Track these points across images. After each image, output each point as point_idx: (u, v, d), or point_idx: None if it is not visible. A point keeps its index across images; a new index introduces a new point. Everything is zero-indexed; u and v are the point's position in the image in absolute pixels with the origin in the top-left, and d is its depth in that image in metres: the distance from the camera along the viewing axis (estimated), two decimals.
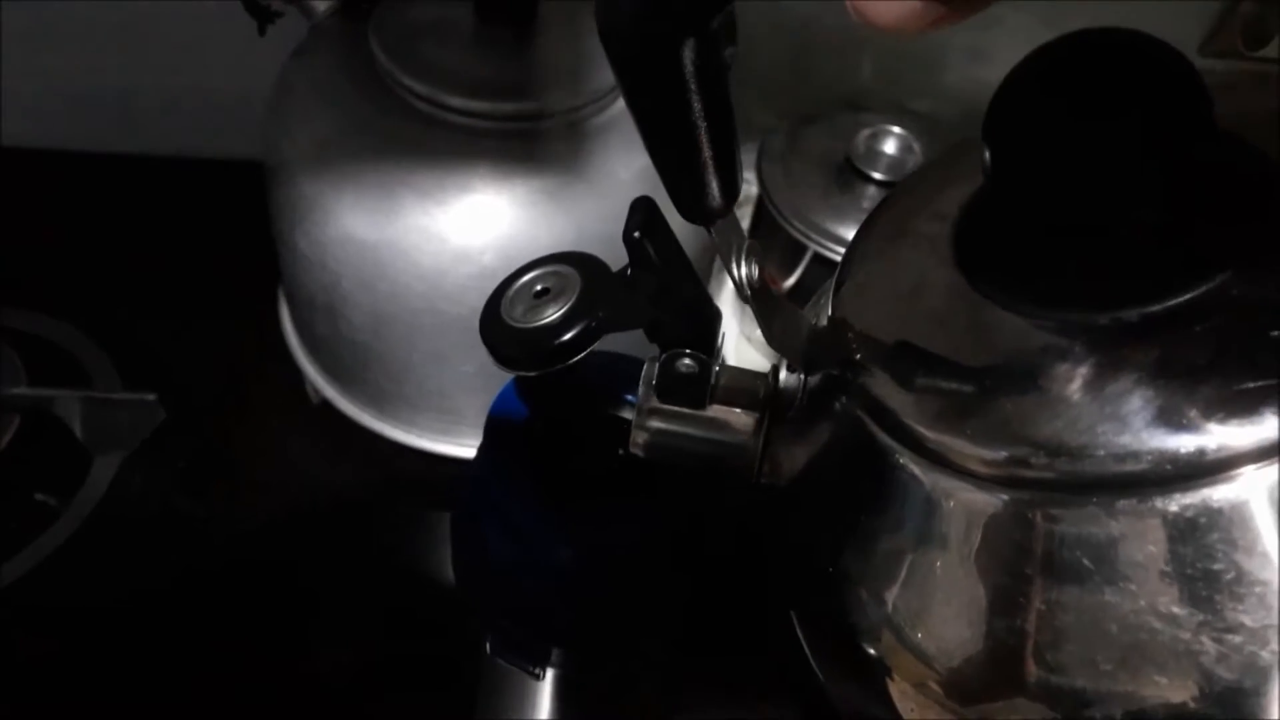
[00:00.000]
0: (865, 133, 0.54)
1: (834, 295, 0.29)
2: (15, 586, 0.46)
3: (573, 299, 0.29)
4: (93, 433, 0.49)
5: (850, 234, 0.51)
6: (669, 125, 0.23)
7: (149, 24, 0.61)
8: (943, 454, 0.23)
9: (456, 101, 0.44)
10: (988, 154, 0.23)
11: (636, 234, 0.27)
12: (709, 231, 0.26)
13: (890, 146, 0.54)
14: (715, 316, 0.30)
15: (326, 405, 0.52)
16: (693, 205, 0.25)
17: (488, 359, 0.47)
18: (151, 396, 0.48)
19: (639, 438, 0.30)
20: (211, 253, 0.60)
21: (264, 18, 0.48)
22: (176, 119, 0.65)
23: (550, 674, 0.32)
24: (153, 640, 0.47)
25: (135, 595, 0.48)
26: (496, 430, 0.31)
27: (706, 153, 0.24)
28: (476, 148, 0.44)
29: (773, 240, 0.55)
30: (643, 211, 0.28)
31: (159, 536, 0.50)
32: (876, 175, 0.53)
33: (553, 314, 0.29)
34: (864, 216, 0.52)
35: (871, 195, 0.53)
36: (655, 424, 0.30)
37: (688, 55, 0.21)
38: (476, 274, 0.44)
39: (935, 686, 0.24)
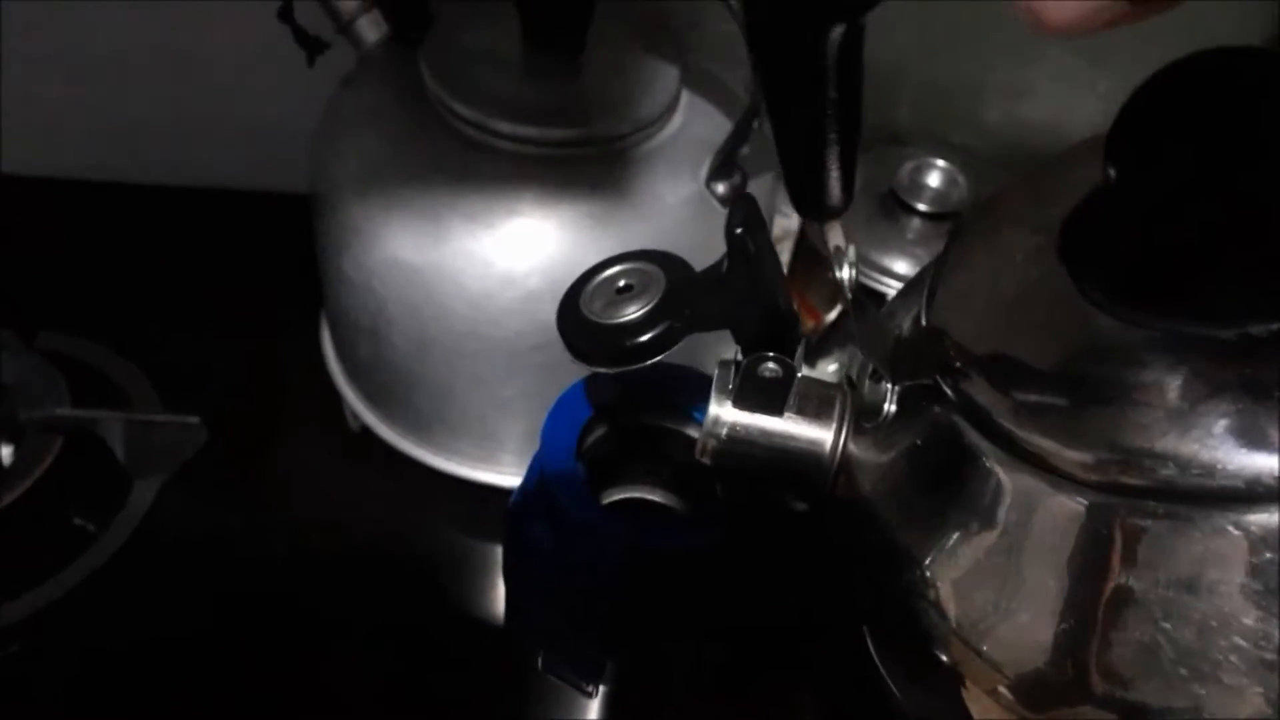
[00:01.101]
0: (909, 165, 0.54)
1: (927, 305, 0.29)
2: (48, 611, 0.45)
3: (656, 298, 0.28)
4: (134, 455, 0.49)
5: (895, 265, 0.52)
6: (802, 115, 0.23)
7: (197, 55, 0.62)
8: (1047, 459, 0.23)
9: (505, 127, 0.44)
10: (1112, 170, 0.23)
11: (739, 230, 0.27)
12: (821, 229, 0.26)
13: (934, 179, 0.54)
14: (796, 323, 0.29)
15: (366, 432, 0.52)
16: (812, 201, 0.25)
17: (529, 384, 0.47)
18: (194, 419, 0.48)
19: (709, 444, 0.29)
20: (254, 283, 0.60)
21: (313, 48, 0.49)
22: (223, 151, 0.65)
23: (602, 691, 0.31)
24: (187, 668, 0.46)
25: (169, 623, 0.47)
26: (555, 432, 0.31)
27: (834, 148, 0.24)
28: (524, 173, 0.44)
29: (815, 272, 0.55)
30: (746, 208, 0.28)
31: (195, 564, 0.49)
32: (921, 206, 0.53)
33: (634, 312, 0.28)
34: (908, 247, 0.53)
35: (915, 226, 0.53)
36: (727, 432, 0.29)
37: (832, 43, 0.21)
38: (521, 298, 0.44)
39: (1018, 695, 0.24)
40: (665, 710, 0.35)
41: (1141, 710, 0.22)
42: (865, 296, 0.28)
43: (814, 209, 0.26)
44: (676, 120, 0.48)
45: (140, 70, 0.62)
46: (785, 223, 0.61)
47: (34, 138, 0.63)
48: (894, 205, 0.53)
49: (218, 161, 0.66)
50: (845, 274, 0.28)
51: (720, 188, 0.47)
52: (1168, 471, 0.21)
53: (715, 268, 0.30)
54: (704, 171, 0.46)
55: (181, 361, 0.55)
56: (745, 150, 0.47)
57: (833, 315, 0.56)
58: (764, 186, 0.50)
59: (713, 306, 0.28)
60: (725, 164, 0.46)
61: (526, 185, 0.44)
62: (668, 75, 0.48)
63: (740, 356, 0.29)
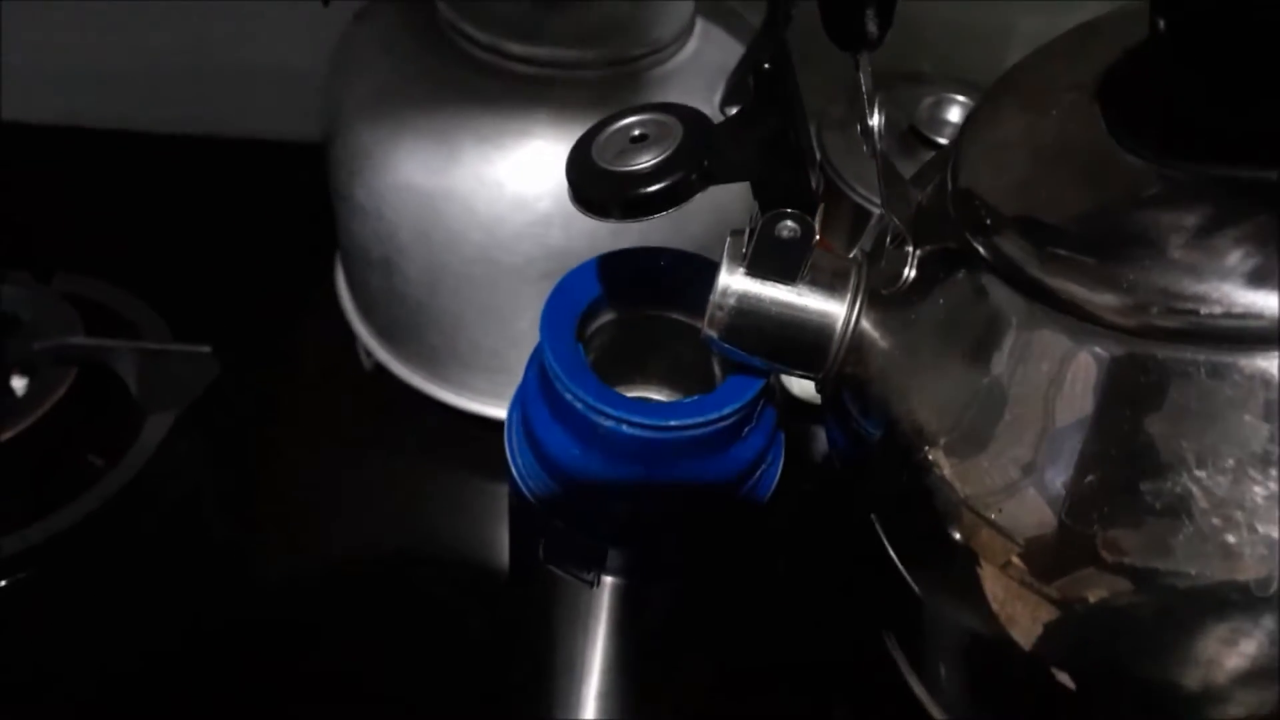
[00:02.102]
0: (929, 100, 0.53)
1: (953, 166, 0.28)
2: (57, 541, 0.45)
3: (674, 146, 0.27)
4: (147, 388, 0.49)
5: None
6: None
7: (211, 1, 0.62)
8: (1081, 307, 0.22)
9: (518, 49, 0.44)
10: (1163, 22, 0.23)
11: (767, 65, 0.26)
12: (855, 61, 0.25)
13: (954, 114, 0.53)
14: (819, 186, 0.28)
15: (379, 370, 0.52)
16: (847, 27, 0.24)
17: (540, 313, 0.47)
18: (206, 349, 0.48)
19: (716, 315, 0.28)
20: (270, 232, 0.60)
21: None
22: (238, 98, 0.65)
23: (606, 583, 0.30)
24: (192, 602, 0.46)
25: (174, 559, 0.47)
26: (556, 317, 0.30)
27: None
28: (537, 95, 0.44)
29: (836, 209, 0.54)
30: (773, 44, 0.26)
31: (203, 500, 0.49)
32: (942, 141, 0.51)
33: (650, 160, 0.26)
34: (930, 173, 0.52)
35: None
36: (736, 302, 0.28)
37: None
38: (533, 221, 0.43)
39: (1033, 565, 0.23)
40: (664, 602, 0.34)
41: (1163, 573, 0.21)
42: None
43: (847, 36, 0.25)
44: (691, 45, 0.47)
45: (156, 18, 0.62)
46: None
47: (50, 86, 0.64)
48: (914, 141, 0.52)
49: (233, 109, 0.66)
50: (875, 120, 0.26)
51: (734, 112, 0.46)
52: (1206, 311, 0.21)
53: (739, 116, 0.28)
54: (718, 96, 0.46)
55: (197, 304, 0.54)
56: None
57: (855, 251, 0.55)
58: None
59: (734, 156, 0.26)
60: (738, 88, 0.45)
61: (539, 107, 0.44)
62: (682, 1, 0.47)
63: (756, 221, 0.28)
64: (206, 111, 0.66)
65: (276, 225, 0.60)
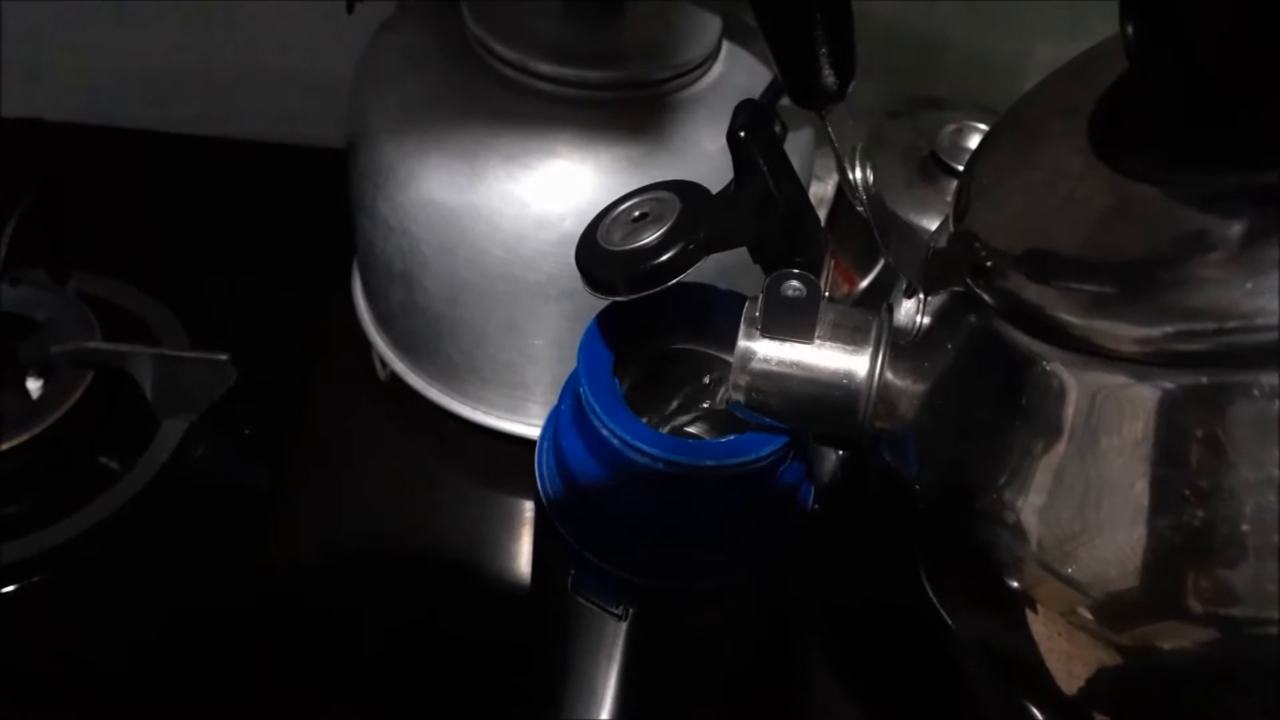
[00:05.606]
0: (950, 128, 0.53)
1: (955, 213, 0.27)
2: (70, 545, 0.45)
3: (671, 221, 0.28)
4: (163, 393, 0.49)
5: (934, 226, 0.51)
6: None
7: (234, 3, 0.62)
8: (1104, 345, 0.21)
9: (545, 68, 0.44)
10: (1130, 29, 0.22)
11: (742, 133, 0.26)
12: (821, 118, 0.25)
13: (976, 142, 0.53)
14: (822, 238, 0.28)
15: (395, 381, 0.52)
16: (805, 85, 0.24)
17: (559, 333, 0.47)
18: (224, 356, 0.48)
19: (740, 381, 0.28)
20: (287, 236, 0.60)
21: None
22: (259, 102, 0.66)
23: (632, 615, 0.30)
24: (204, 607, 0.46)
25: (187, 562, 0.47)
26: (594, 350, 0.30)
27: (821, 21, 0.23)
28: (562, 115, 0.44)
29: (852, 234, 0.54)
30: (748, 112, 0.27)
31: (217, 506, 0.49)
32: (962, 169, 0.52)
33: (651, 236, 0.27)
34: (949, 209, 0.52)
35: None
36: (757, 366, 0.28)
37: None
38: (555, 240, 0.44)
39: (1102, 615, 0.22)
40: (693, 636, 0.34)
41: (1245, 621, 0.21)
42: (882, 197, 0.27)
43: (806, 95, 0.25)
44: (717, 69, 0.48)
45: (176, 20, 0.62)
46: (820, 188, 0.61)
47: (72, 85, 0.64)
48: (934, 169, 0.52)
49: (254, 112, 0.66)
50: (858, 174, 0.27)
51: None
52: (1231, 329, 0.20)
53: (730, 184, 0.29)
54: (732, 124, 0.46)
55: (213, 308, 0.54)
56: (785, 101, 0.46)
57: (868, 280, 0.55)
58: (803, 140, 0.50)
59: (729, 223, 0.27)
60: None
61: (565, 127, 0.44)
62: (709, 24, 0.47)
63: (763, 284, 0.28)
64: (227, 113, 0.66)
65: (295, 230, 0.60)
